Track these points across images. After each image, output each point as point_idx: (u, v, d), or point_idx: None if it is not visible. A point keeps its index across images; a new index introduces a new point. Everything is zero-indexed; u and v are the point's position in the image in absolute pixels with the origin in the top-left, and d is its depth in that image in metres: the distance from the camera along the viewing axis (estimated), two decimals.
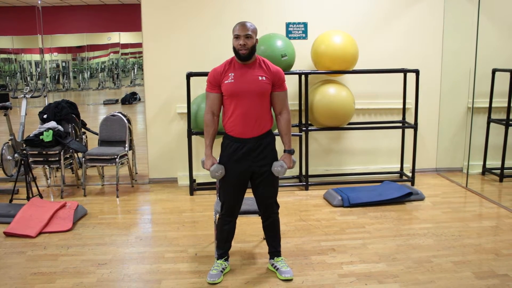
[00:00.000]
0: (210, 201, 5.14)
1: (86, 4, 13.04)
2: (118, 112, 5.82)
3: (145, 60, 5.71)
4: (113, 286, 3.32)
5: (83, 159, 5.41)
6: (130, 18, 11.98)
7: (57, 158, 5.38)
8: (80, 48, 14.38)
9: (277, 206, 3.46)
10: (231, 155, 3.28)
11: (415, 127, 5.55)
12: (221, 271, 3.40)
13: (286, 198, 5.20)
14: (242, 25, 3.20)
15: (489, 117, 6.02)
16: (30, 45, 13.57)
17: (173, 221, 4.59)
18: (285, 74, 3.49)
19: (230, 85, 3.20)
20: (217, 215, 3.54)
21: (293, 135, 4.11)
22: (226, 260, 3.48)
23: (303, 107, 5.56)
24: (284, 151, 3.35)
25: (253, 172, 3.29)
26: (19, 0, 11.77)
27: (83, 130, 6.13)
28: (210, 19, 5.64)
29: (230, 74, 3.22)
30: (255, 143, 3.26)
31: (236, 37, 3.19)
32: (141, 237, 4.22)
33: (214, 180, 3.51)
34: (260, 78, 3.21)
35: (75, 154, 5.76)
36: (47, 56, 13.76)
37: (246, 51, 3.18)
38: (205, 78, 3.44)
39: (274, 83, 3.27)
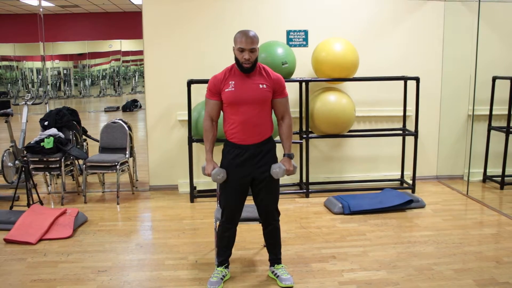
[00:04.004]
0: (210, 208, 5.13)
1: (88, 12, 13.09)
2: (119, 119, 5.83)
3: (146, 67, 5.73)
4: None
5: (84, 166, 5.41)
6: (131, 25, 12.00)
7: (57, 165, 5.38)
8: (82, 56, 14.41)
9: (278, 213, 3.45)
10: (232, 161, 3.28)
11: (415, 134, 5.56)
12: (221, 279, 3.39)
13: (286, 206, 5.20)
14: (247, 37, 3.13)
15: (489, 124, 6.02)
16: (32, 53, 13.59)
17: (173, 228, 4.59)
18: (286, 81, 3.49)
19: (231, 93, 3.20)
20: (218, 222, 3.53)
21: (293, 142, 4.10)
22: (227, 267, 3.47)
23: (303, 115, 5.56)
24: (284, 155, 3.35)
25: (253, 178, 3.29)
26: (21, 7, 11.82)
27: (84, 137, 6.14)
28: (210, 27, 5.67)
29: (230, 82, 3.22)
30: (256, 149, 3.26)
31: (241, 50, 3.14)
32: (141, 244, 4.21)
33: (215, 187, 3.51)
34: (260, 86, 3.22)
35: (76, 161, 5.76)
36: (48, 64, 13.77)
37: (250, 65, 3.17)
38: (206, 85, 3.44)
39: (275, 90, 3.27)
